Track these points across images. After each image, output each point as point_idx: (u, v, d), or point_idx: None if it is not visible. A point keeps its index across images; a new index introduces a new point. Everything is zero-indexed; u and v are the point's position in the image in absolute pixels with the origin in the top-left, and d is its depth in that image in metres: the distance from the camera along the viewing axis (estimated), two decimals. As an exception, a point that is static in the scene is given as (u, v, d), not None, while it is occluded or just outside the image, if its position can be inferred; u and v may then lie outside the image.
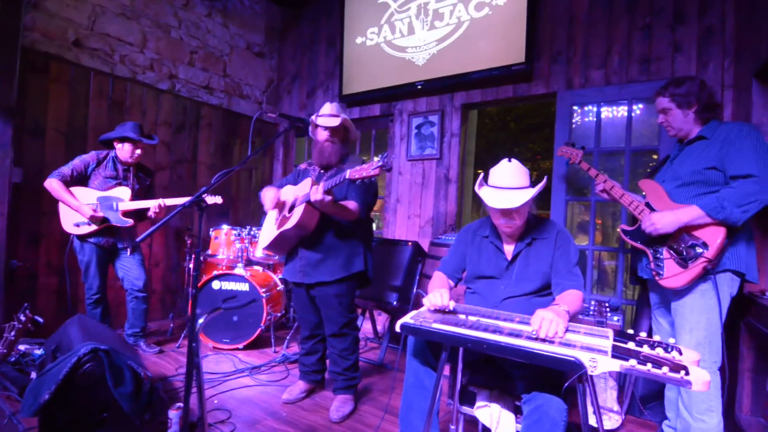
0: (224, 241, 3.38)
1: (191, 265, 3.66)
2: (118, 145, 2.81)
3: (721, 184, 1.64)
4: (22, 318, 1.38)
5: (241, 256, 3.26)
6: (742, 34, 2.28)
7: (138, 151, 2.84)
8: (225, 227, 3.41)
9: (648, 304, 2.08)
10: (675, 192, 1.74)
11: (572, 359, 1.16)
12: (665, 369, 1.07)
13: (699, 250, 1.56)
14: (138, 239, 1.44)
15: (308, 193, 1.93)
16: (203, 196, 1.60)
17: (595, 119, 2.82)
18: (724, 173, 1.62)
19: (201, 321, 1.51)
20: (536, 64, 2.99)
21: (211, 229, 3.46)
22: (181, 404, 1.87)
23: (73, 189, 2.71)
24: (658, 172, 1.93)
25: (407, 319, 1.46)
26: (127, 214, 2.79)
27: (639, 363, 1.10)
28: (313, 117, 2.16)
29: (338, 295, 2.10)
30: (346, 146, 2.21)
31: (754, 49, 2.01)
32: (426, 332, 1.39)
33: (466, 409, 1.69)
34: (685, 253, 1.59)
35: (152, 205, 2.79)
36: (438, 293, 1.48)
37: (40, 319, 1.35)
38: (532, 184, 1.65)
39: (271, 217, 2.25)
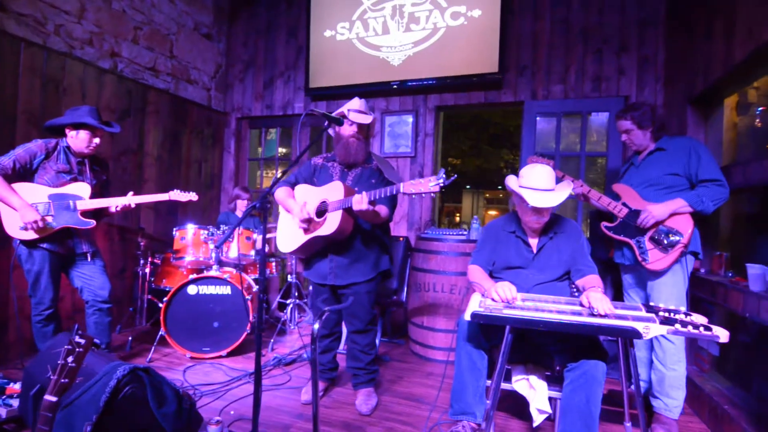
0: (191, 242, 3.10)
1: (147, 270, 3.27)
2: (71, 133, 2.39)
3: (679, 185, 2.10)
4: (81, 341, 1.18)
5: (215, 257, 3.03)
6: (670, 64, 2.88)
7: (96, 140, 2.45)
8: (191, 226, 3.12)
9: (614, 286, 2.56)
10: (644, 192, 2.17)
11: (631, 328, 1.44)
12: (701, 329, 1.40)
13: (676, 238, 2.00)
14: (217, 241, 1.33)
15: (345, 199, 1.91)
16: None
17: (555, 127, 3.27)
18: (686, 177, 2.08)
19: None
20: (505, 75, 3.33)
21: (174, 229, 3.13)
22: (219, 418, 1.76)
23: (17, 186, 2.25)
24: (623, 177, 2.37)
25: (476, 308, 1.60)
26: (86, 214, 2.42)
27: (682, 326, 1.42)
28: (343, 110, 2.13)
29: (369, 292, 2.15)
30: (368, 143, 2.24)
31: (688, 80, 2.58)
32: (499, 318, 1.55)
33: (505, 385, 1.90)
34: (665, 242, 2.02)
35: (120, 203, 2.46)
36: (506, 287, 1.65)
37: (98, 340, 1.19)
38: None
39: (290, 219, 2.17)
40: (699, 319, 1.52)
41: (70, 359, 1.16)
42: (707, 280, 2.20)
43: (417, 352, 3.04)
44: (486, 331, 1.80)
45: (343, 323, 2.81)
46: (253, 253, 3.22)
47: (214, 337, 2.87)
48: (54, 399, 1.13)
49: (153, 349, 2.80)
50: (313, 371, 1.34)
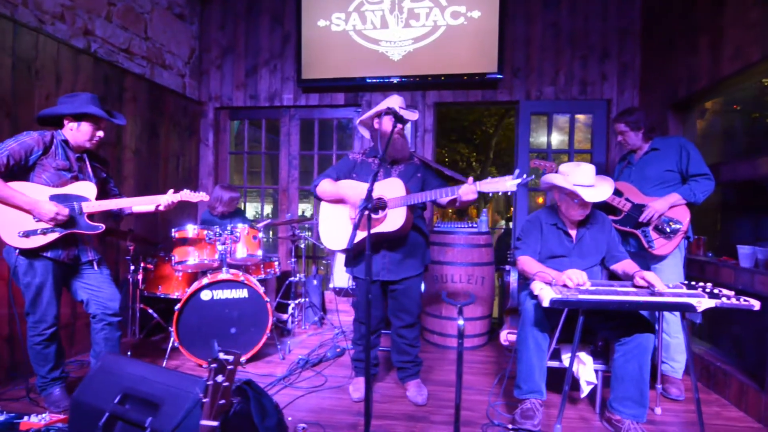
0: (194, 243, 2.85)
1: (140, 278, 2.95)
2: (71, 125, 2.09)
3: (673, 180, 2.45)
4: (230, 359, 1.09)
5: (223, 259, 2.83)
6: (646, 71, 3.29)
7: (100, 133, 2.17)
8: (192, 227, 2.86)
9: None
10: (646, 188, 2.48)
11: (688, 303, 1.69)
12: (742, 300, 1.69)
13: (677, 226, 2.33)
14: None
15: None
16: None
17: (546, 125, 3.55)
18: (679, 173, 2.42)
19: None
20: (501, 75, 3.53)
21: (173, 230, 2.85)
22: (304, 425, 1.71)
23: (13, 185, 1.92)
24: (622, 174, 2.68)
25: (553, 295, 1.74)
26: (91, 217, 2.14)
27: (727, 299, 1.70)
28: (388, 105, 2.12)
29: (418, 286, 2.20)
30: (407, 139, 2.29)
31: (668, 87, 2.97)
32: (576, 303, 1.71)
33: (552, 363, 2.10)
34: (668, 230, 2.35)
35: (127, 204, 2.25)
36: (577, 273, 1.82)
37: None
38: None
39: (341, 215, 2.13)
40: (728, 292, 1.82)
41: (220, 378, 1.08)
42: (696, 260, 2.60)
43: (434, 342, 3.15)
44: (550, 316, 1.96)
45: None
46: (260, 252, 3.06)
47: (231, 344, 2.69)
48: (215, 424, 1.03)
49: (165, 361, 2.55)
50: (459, 364, 1.37)
